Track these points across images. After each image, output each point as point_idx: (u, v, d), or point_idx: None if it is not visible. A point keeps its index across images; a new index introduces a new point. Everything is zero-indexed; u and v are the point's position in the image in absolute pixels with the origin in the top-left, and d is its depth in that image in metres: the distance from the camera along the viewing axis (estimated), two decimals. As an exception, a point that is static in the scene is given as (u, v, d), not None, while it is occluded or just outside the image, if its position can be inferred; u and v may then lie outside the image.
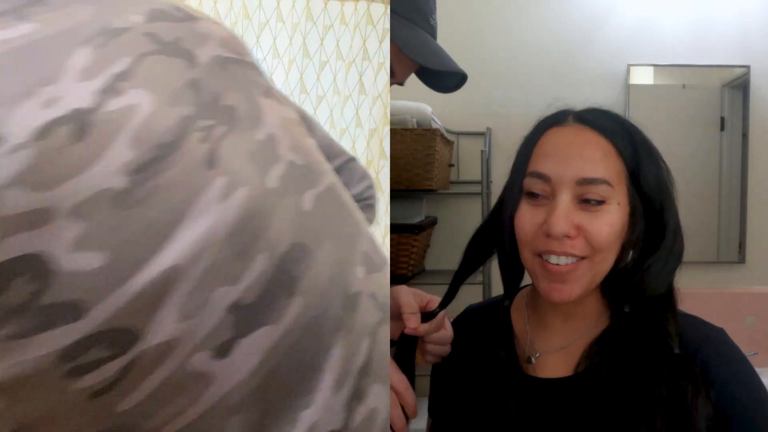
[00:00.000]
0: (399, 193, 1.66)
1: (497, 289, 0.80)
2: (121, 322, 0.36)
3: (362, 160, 1.78)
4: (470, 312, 0.82)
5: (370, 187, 0.83)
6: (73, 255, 0.35)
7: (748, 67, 1.90)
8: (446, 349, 0.74)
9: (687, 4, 1.91)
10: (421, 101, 1.63)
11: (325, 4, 1.73)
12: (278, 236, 0.45)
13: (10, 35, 0.38)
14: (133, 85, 0.41)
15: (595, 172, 0.62)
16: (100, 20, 0.43)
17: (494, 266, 0.76)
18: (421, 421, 0.81)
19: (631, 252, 0.66)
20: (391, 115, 1.62)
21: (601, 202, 0.62)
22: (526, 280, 0.74)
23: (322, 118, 1.78)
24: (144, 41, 0.45)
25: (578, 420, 0.63)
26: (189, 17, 0.51)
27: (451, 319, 0.83)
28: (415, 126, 1.60)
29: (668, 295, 0.67)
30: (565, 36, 1.94)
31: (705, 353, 0.64)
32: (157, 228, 0.39)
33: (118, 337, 0.36)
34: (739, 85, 1.92)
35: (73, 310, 0.35)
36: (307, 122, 0.71)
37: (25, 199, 0.34)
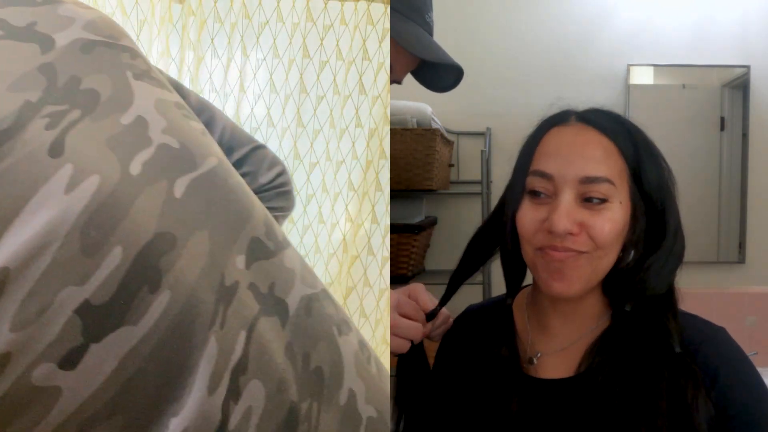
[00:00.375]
0: (399, 193, 1.66)
1: (497, 289, 0.80)
2: None
3: (362, 160, 1.78)
4: (470, 312, 0.82)
5: (282, 173, 0.78)
6: None
7: (748, 67, 1.90)
8: (449, 324, 0.78)
9: (687, 4, 1.91)
10: (421, 101, 1.63)
11: (325, 4, 1.73)
12: (138, 226, 0.41)
13: None
14: None
15: (597, 171, 0.62)
16: None
17: (494, 266, 0.76)
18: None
19: (632, 251, 0.66)
20: (391, 115, 1.62)
21: (603, 201, 0.62)
22: (527, 280, 0.74)
23: (322, 118, 1.77)
24: None
25: (580, 421, 0.63)
26: (51, 1, 0.48)
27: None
28: (415, 126, 1.60)
29: (669, 295, 0.67)
30: (565, 36, 1.94)
31: (706, 352, 0.64)
32: None
33: None
34: (739, 85, 1.92)
35: None
36: (204, 107, 0.69)
37: None
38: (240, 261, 0.46)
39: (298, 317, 0.48)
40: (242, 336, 0.43)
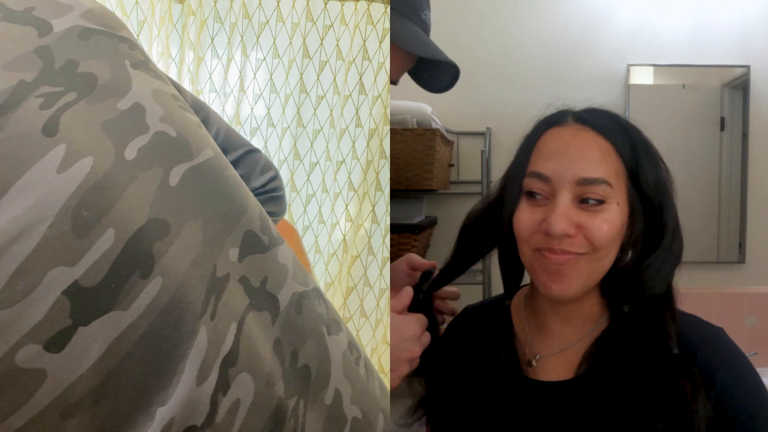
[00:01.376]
0: (399, 193, 1.66)
1: (497, 289, 0.80)
2: None
3: (362, 160, 1.78)
4: (468, 312, 0.82)
5: (275, 179, 0.78)
6: None
7: (748, 67, 1.90)
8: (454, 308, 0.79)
9: (687, 5, 1.91)
10: (421, 101, 1.63)
11: (325, 4, 1.73)
12: (132, 211, 0.40)
13: None
14: None
15: (594, 172, 0.62)
16: None
17: (494, 266, 0.76)
18: (417, 424, 0.81)
19: (630, 252, 0.66)
20: (391, 115, 1.62)
21: (600, 202, 0.62)
22: (525, 280, 0.74)
23: (322, 118, 1.78)
24: None
25: (579, 422, 0.63)
26: None
27: (448, 322, 0.83)
28: (415, 126, 1.60)
29: (667, 295, 0.67)
30: (565, 36, 1.94)
31: (705, 353, 0.64)
32: None
33: None
34: (739, 85, 1.92)
35: None
36: (198, 106, 0.68)
37: None
38: (233, 253, 0.46)
39: (288, 314, 0.48)
40: (233, 328, 0.43)
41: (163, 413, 0.37)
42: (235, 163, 0.73)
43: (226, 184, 0.49)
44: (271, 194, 0.78)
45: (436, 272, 0.79)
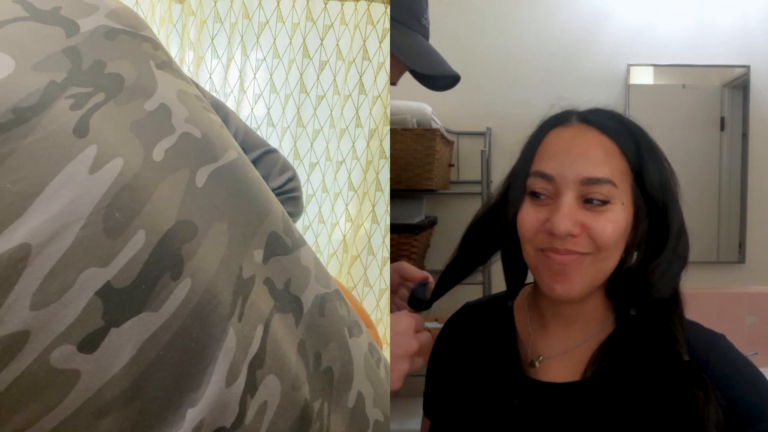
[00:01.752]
0: (399, 193, 1.66)
1: (498, 289, 0.80)
2: None
3: (362, 160, 1.78)
4: (468, 309, 0.82)
5: (293, 179, 0.78)
6: None
7: (748, 67, 1.90)
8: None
9: (687, 5, 1.91)
10: (421, 101, 1.62)
11: (325, 4, 1.73)
12: (161, 212, 0.41)
13: None
14: None
15: (599, 172, 0.62)
16: None
17: (495, 266, 0.76)
18: (414, 421, 0.81)
19: (635, 253, 0.65)
20: (391, 115, 1.62)
21: (605, 203, 0.62)
22: (527, 279, 0.74)
23: (322, 118, 1.78)
24: (14, 8, 0.43)
25: (586, 426, 0.63)
26: None
27: (448, 317, 0.83)
28: (415, 126, 1.60)
29: (675, 299, 0.66)
30: (565, 36, 1.94)
31: (714, 360, 0.64)
32: (8, 199, 0.35)
33: None
34: (739, 85, 1.92)
35: None
36: (219, 107, 0.69)
37: None
38: (258, 255, 0.46)
39: (311, 316, 0.48)
40: (259, 330, 0.43)
41: (193, 414, 0.38)
42: (254, 163, 0.73)
43: (250, 185, 0.49)
44: (289, 194, 0.78)
45: (432, 283, 0.77)
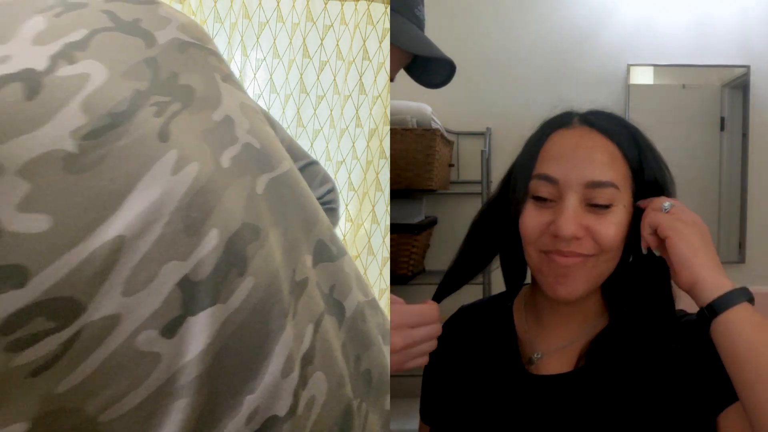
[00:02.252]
0: (399, 193, 1.66)
1: (498, 289, 0.80)
2: (65, 292, 0.35)
3: (362, 160, 1.78)
4: (464, 312, 0.82)
5: (332, 191, 0.83)
6: (18, 215, 0.34)
7: (748, 67, 1.91)
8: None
9: (687, 4, 1.91)
10: (421, 101, 1.63)
11: (325, 4, 1.73)
12: (229, 214, 0.44)
13: None
14: (86, 55, 0.42)
15: (603, 176, 0.62)
16: None
17: (495, 265, 0.76)
18: (412, 423, 0.81)
19: (632, 254, 0.66)
20: (391, 115, 1.62)
21: (608, 205, 0.62)
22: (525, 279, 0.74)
23: (322, 118, 1.78)
24: (101, 17, 0.46)
25: (581, 415, 0.64)
26: (150, 1, 0.52)
27: (445, 320, 0.82)
28: (415, 126, 1.60)
29: (666, 294, 0.67)
30: (565, 36, 1.94)
31: (701, 347, 0.64)
32: (105, 196, 0.38)
33: (62, 307, 0.35)
34: (739, 85, 1.92)
35: (16, 275, 0.33)
36: (268, 119, 0.71)
37: None
38: (308, 260, 0.50)
39: (353, 321, 0.51)
40: (310, 329, 0.46)
41: (250, 401, 0.41)
42: None
43: (301, 194, 0.53)
44: (328, 206, 0.82)
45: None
